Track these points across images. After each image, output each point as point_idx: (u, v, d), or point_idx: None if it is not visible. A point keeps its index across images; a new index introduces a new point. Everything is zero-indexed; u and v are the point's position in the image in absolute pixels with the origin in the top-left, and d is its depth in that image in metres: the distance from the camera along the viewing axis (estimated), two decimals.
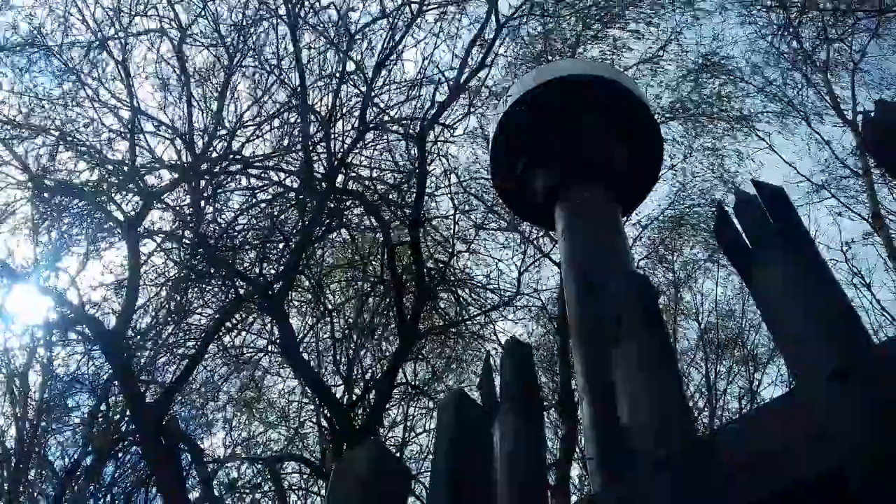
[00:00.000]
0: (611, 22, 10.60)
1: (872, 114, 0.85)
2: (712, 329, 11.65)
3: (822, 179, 11.01)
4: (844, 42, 11.10)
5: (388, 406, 9.00)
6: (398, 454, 9.34)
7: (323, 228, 8.68)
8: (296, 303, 9.45)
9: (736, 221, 0.82)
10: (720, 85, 11.08)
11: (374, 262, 9.49)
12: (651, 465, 0.66)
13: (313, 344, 9.59)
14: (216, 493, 8.80)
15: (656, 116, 10.91)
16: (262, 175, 8.83)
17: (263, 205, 8.81)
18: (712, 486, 0.62)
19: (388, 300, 9.02)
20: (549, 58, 10.01)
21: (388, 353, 9.28)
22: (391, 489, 1.06)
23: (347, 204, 8.81)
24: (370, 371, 9.50)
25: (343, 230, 9.27)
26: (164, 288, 8.51)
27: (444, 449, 1.01)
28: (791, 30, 11.20)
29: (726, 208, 0.87)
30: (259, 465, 9.29)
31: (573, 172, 2.87)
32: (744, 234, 0.80)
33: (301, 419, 10.20)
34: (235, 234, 8.47)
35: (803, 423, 0.59)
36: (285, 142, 9.10)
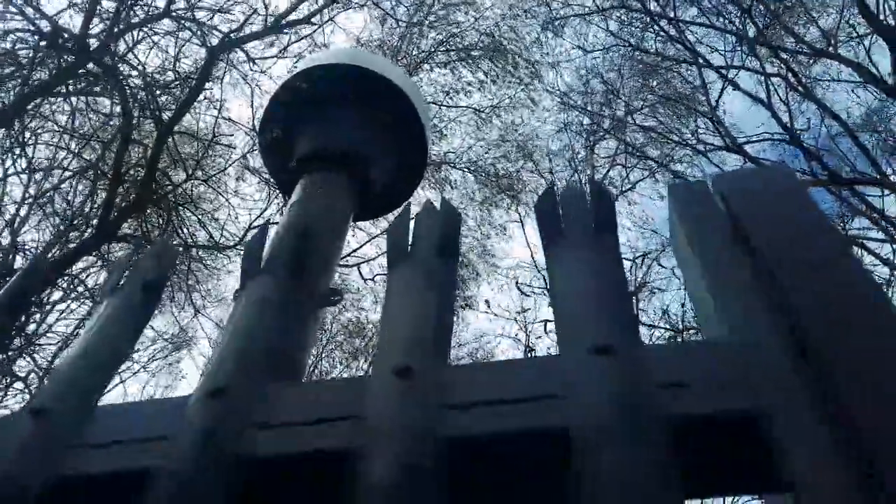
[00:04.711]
0: (464, 59, 10.95)
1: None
2: None
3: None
4: (625, 167, 12.44)
5: (52, 290, 8.22)
6: (29, 343, 8.50)
7: (62, 88, 7.80)
8: None
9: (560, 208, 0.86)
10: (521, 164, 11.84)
11: (109, 149, 8.68)
12: (587, 350, 0.66)
13: None
14: None
15: (456, 160, 11.26)
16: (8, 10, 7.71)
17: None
18: (643, 388, 0.63)
19: (99, 190, 8.31)
20: (393, 56, 10.07)
21: (73, 241, 8.51)
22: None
23: (102, 76, 7.99)
24: (50, 252, 8.62)
25: (84, 100, 8.40)
26: None
27: None
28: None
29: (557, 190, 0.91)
30: None
31: (327, 156, 2.89)
32: (563, 219, 0.85)
33: None
34: None
35: (739, 362, 0.64)
36: None
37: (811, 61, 9.51)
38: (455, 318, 0.80)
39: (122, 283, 0.95)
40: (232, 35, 8.12)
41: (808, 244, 0.74)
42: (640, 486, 0.54)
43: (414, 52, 10.70)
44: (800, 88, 9.12)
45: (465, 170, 11.51)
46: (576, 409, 0.61)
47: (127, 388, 11.78)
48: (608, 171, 11.91)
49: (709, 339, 0.75)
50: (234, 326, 0.82)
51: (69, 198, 9.14)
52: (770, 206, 0.80)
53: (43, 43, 7.39)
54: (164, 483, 0.62)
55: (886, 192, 8.04)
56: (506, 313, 13.39)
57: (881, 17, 7.60)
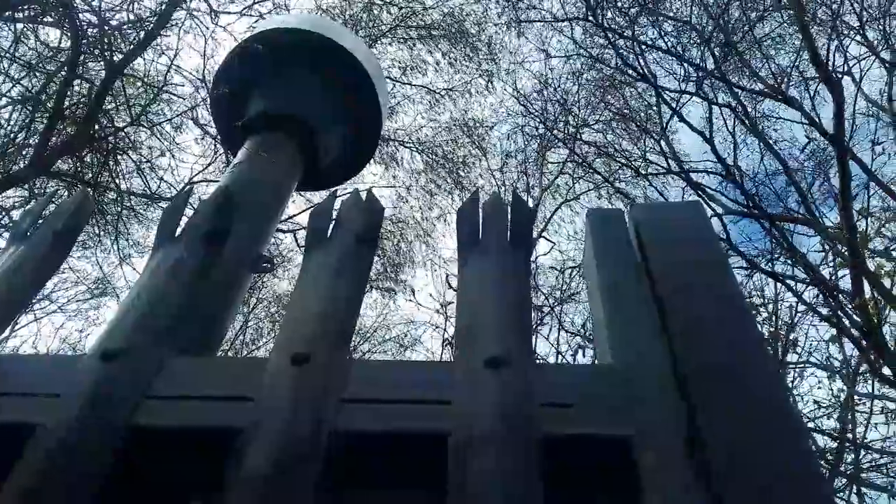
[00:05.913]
0: (424, 38, 10.88)
1: None
2: None
3: None
4: (573, 176, 12.47)
5: None
6: None
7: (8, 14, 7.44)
8: None
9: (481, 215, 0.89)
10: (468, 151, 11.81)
11: (52, 82, 8.33)
12: (481, 361, 0.67)
13: None
14: None
15: (406, 140, 11.17)
16: None
17: None
18: (527, 405, 0.64)
19: (37, 122, 8.00)
20: (354, 28, 9.92)
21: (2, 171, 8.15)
22: None
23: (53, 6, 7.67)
24: None
25: (32, 27, 8.04)
26: None
27: None
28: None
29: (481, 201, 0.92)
30: None
31: (275, 119, 2.82)
32: (481, 228, 0.87)
33: None
34: None
35: (621, 387, 0.67)
36: None
37: (761, 99, 9.79)
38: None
39: (32, 230, 0.94)
40: None
41: (701, 277, 0.78)
42: (504, 497, 0.57)
43: (372, 25, 10.58)
44: (746, 122, 9.37)
45: (413, 149, 11.46)
46: (460, 417, 0.64)
47: (41, 328, 11.45)
48: (556, 177, 12.01)
49: (598, 363, 0.78)
50: (139, 289, 0.81)
51: (3, 125, 8.77)
52: (674, 239, 0.84)
53: None
54: (48, 442, 0.62)
55: (813, 232, 8.34)
56: (435, 303, 13.39)
57: (830, 65, 7.86)
